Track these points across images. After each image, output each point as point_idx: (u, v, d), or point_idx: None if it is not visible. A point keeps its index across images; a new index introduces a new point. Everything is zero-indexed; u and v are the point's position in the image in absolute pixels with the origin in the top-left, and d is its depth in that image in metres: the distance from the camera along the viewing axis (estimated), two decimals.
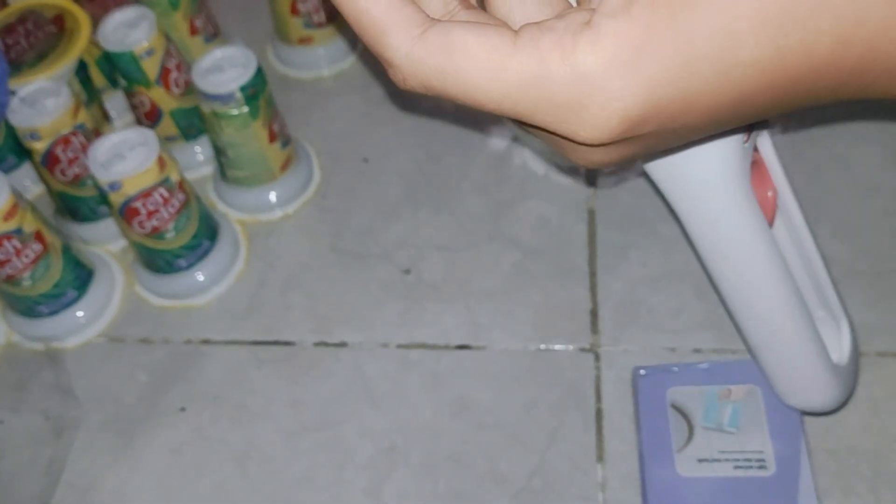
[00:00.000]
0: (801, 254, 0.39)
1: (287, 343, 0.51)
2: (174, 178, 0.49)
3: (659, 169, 0.32)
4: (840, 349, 0.40)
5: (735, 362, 0.44)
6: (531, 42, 0.22)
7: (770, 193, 0.35)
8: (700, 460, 0.41)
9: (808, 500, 0.39)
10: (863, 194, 0.53)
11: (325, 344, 0.51)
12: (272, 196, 0.56)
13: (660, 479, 0.41)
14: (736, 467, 0.41)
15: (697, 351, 0.48)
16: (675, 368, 0.45)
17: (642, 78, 0.21)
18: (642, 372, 0.45)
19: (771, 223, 0.35)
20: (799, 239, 0.38)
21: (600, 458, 0.45)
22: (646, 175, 0.54)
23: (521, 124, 0.25)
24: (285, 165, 0.55)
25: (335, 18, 0.62)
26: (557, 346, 0.48)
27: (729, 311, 0.38)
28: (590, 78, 0.21)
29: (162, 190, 0.48)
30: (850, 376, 0.41)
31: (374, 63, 0.63)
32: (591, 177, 0.55)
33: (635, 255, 0.52)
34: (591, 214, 0.54)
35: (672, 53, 0.21)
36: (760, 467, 0.41)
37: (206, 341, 0.51)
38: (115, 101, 0.61)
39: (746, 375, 0.44)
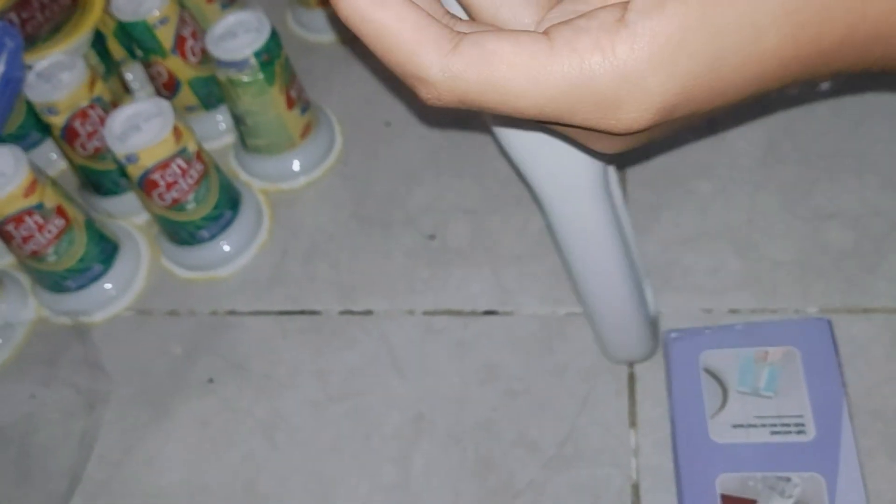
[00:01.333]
0: (619, 217, 0.40)
1: (312, 312, 0.50)
2: (191, 148, 0.48)
3: (531, 168, 0.35)
4: (652, 302, 0.44)
5: (772, 323, 0.42)
6: (568, 45, 0.22)
7: None
8: (735, 426, 0.40)
9: (850, 464, 0.38)
10: None
11: (351, 312, 0.50)
12: (294, 164, 0.55)
13: (692, 446, 0.39)
14: (773, 433, 0.39)
15: (734, 311, 0.46)
16: (708, 331, 0.43)
17: (679, 73, 0.22)
18: (674, 335, 0.43)
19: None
20: (617, 206, 0.40)
21: (633, 423, 0.43)
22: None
23: (550, 124, 0.25)
24: (306, 132, 0.54)
25: None
26: None
27: (573, 279, 0.41)
28: (632, 76, 0.22)
29: (179, 161, 0.47)
30: (657, 326, 0.45)
31: None
32: None
33: (668, 216, 0.50)
34: (622, 174, 0.52)
35: (704, 47, 0.22)
36: (799, 432, 0.39)
37: (231, 312, 0.51)
38: (135, 73, 0.61)
39: (784, 337, 0.42)
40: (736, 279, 0.47)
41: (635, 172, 0.52)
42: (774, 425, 0.39)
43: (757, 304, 0.46)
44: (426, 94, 0.24)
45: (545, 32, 0.23)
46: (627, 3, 0.22)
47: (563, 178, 0.35)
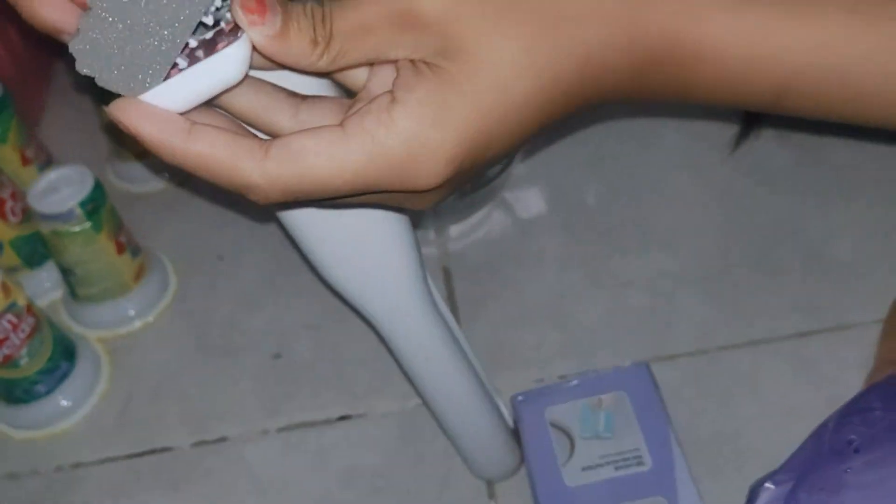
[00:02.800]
0: (454, 332, 0.44)
1: (164, 449, 0.50)
2: (21, 302, 0.48)
3: (357, 295, 0.37)
4: (508, 415, 0.47)
5: (601, 375, 0.48)
6: (357, 127, 0.26)
7: None
8: (584, 468, 0.44)
9: (686, 486, 0.42)
10: (685, 210, 0.58)
11: (205, 442, 0.50)
12: (129, 308, 0.55)
13: (551, 494, 0.43)
14: (617, 468, 0.43)
15: (563, 377, 0.51)
16: (548, 389, 0.47)
17: (452, 127, 0.27)
18: (520, 398, 0.47)
19: None
20: (452, 325, 0.44)
21: (491, 494, 0.46)
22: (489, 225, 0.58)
23: (367, 196, 0.29)
24: (138, 275, 0.55)
25: None
26: None
27: (426, 401, 0.43)
28: (414, 139, 0.26)
29: (9, 316, 0.47)
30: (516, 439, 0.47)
31: None
32: (439, 229, 0.59)
33: (492, 303, 0.55)
34: (447, 272, 0.57)
35: (467, 105, 0.27)
36: (639, 464, 0.44)
37: (77, 465, 0.49)
38: None
39: (613, 384, 0.47)
40: (558, 348, 0.52)
41: (457, 269, 0.57)
42: (617, 461, 0.44)
43: (580, 367, 0.51)
44: (255, 197, 0.27)
45: (339, 124, 0.27)
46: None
47: (387, 297, 0.38)
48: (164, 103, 0.26)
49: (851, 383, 0.48)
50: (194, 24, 0.26)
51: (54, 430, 0.51)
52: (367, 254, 0.37)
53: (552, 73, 0.27)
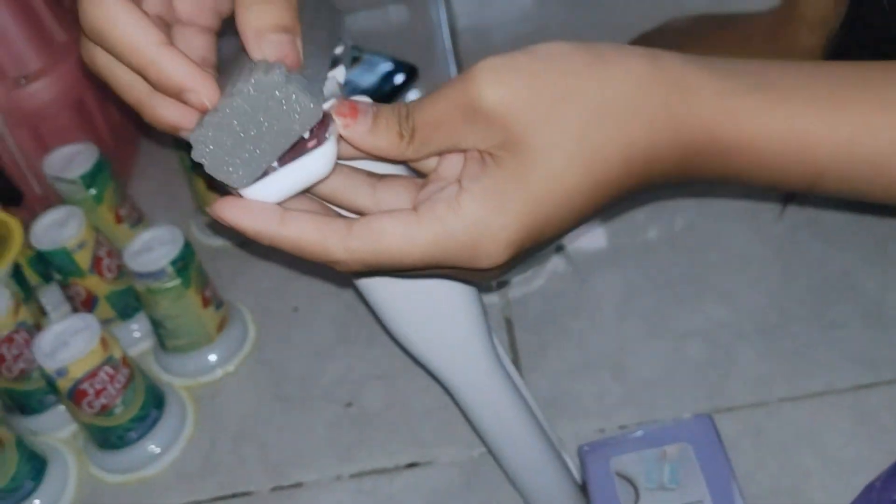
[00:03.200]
0: (519, 387, 0.46)
1: (245, 494, 0.53)
2: (117, 354, 0.52)
3: (426, 354, 0.41)
4: (575, 470, 0.48)
5: (665, 426, 0.49)
6: (429, 212, 0.31)
7: None
8: None
9: None
10: (742, 262, 0.60)
11: (282, 487, 0.53)
12: (212, 357, 0.59)
13: None
14: None
15: (623, 427, 0.52)
16: (614, 440, 0.49)
17: (511, 213, 0.30)
18: (586, 448, 0.49)
19: None
20: (516, 379, 0.46)
21: None
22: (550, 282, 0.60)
23: (434, 270, 0.33)
24: (221, 326, 0.59)
25: None
26: None
27: (493, 453, 0.46)
28: (477, 223, 0.30)
29: (107, 368, 0.51)
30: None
31: None
32: (501, 286, 0.61)
33: (553, 352, 0.57)
34: (509, 322, 0.59)
35: (524, 193, 0.30)
36: None
37: None
38: (49, 296, 0.65)
39: (678, 435, 0.49)
40: (618, 399, 0.53)
41: (518, 318, 0.59)
42: None
43: (640, 417, 0.52)
44: (339, 269, 0.32)
45: (413, 208, 0.31)
46: None
47: (454, 356, 0.41)
48: (262, 196, 0.30)
49: None
50: (296, 138, 0.30)
51: (144, 474, 0.55)
52: (434, 315, 0.39)
53: (601, 164, 0.30)
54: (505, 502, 0.50)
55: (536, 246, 0.32)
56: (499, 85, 0.30)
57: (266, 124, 0.29)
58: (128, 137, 0.76)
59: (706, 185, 0.62)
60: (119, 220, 0.65)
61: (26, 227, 0.60)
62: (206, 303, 0.57)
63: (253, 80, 0.29)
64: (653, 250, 0.61)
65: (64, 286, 0.60)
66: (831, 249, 0.58)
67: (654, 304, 0.58)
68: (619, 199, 0.32)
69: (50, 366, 0.50)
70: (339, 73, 0.36)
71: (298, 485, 0.53)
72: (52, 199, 0.64)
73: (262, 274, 0.66)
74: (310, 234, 0.31)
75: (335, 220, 0.31)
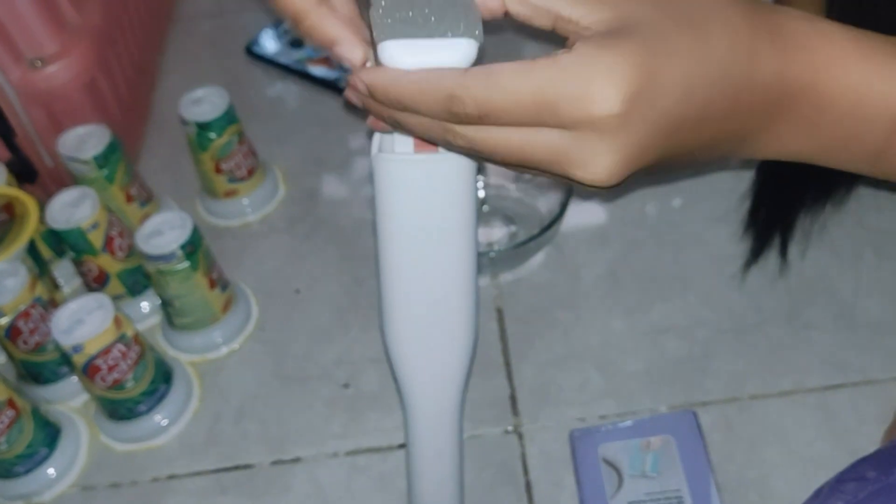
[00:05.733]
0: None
1: (247, 466, 0.56)
2: (130, 333, 0.55)
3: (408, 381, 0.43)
4: None
5: (651, 418, 0.53)
6: (546, 56, 0.30)
7: None
8: (630, 503, 0.49)
9: None
10: (723, 264, 0.62)
11: (281, 462, 0.56)
12: (217, 336, 0.62)
13: None
14: None
15: (603, 417, 0.56)
16: (603, 428, 0.52)
17: (629, 54, 0.29)
18: (577, 434, 0.52)
19: None
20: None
21: None
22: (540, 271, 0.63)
23: (547, 134, 0.31)
24: (226, 307, 0.62)
25: (255, 173, 0.70)
26: (484, 432, 0.56)
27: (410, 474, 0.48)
28: (593, 57, 0.29)
29: (120, 345, 0.54)
30: None
31: (294, 205, 0.71)
32: (494, 273, 0.64)
33: (540, 343, 0.60)
34: (500, 313, 0.62)
35: (652, 37, 0.30)
36: (679, 503, 0.48)
37: (172, 476, 0.57)
38: (61, 270, 0.67)
39: (662, 428, 0.52)
40: (600, 391, 0.57)
41: (509, 309, 0.62)
42: (660, 499, 0.49)
43: (619, 410, 0.56)
44: (455, 108, 0.31)
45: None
46: None
47: (431, 393, 0.43)
48: (397, 56, 0.32)
49: (872, 436, 0.52)
50: (446, 28, 0.32)
51: (152, 444, 0.58)
52: (434, 346, 0.41)
53: (732, 58, 0.30)
54: (492, 481, 0.53)
55: (660, 119, 0.30)
56: None
57: (435, 5, 0.32)
58: (137, 117, 0.78)
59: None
60: (129, 199, 0.67)
61: (40, 203, 0.62)
62: (212, 284, 0.60)
63: None
64: (640, 247, 0.64)
65: (77, 263, 0.62)
66: (808, 253, 0.61)
67: (638, 299, 0.61)
68: (746, 121, 0.32)
69: (66, 342, 0.53)
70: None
71: (297, 459, 0.56)
72: (65, 177, 0.67)
73: (265, 255, 0.69)
74: (430, 76, 0.31)
75: (454, 68, 0.31)
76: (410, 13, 0.32)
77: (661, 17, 0.30)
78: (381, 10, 0.32)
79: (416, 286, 0.39)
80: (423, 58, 0.31)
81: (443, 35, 0.31)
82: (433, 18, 0.32)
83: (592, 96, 0.29)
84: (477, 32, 0.32)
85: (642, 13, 0.30)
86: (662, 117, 0.30)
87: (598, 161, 0.30)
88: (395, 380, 0.44)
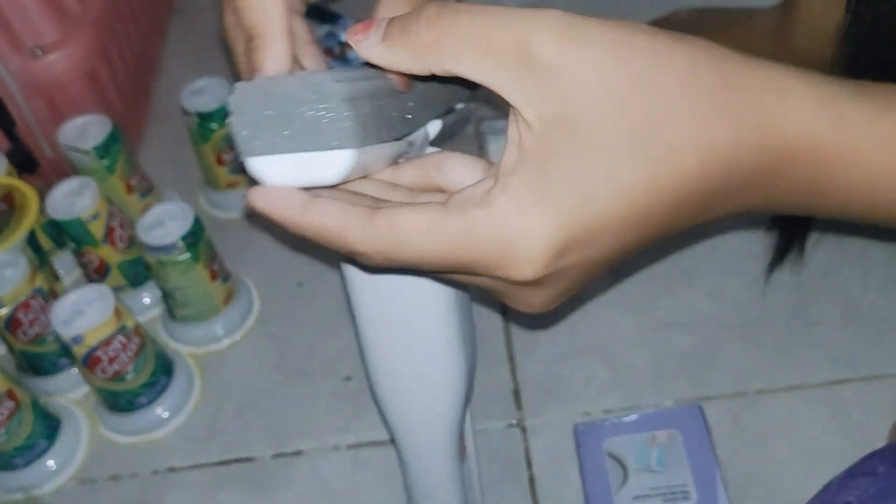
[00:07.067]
0: (472, 487, 0.47)
1: (248, 459, 0.56)
2: (130, 324, 0.54)
3: (392, 408, 0.40)
4: None
5: (656, 413, 0.52)
6: (456, 205, 0.27)
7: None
8: (635, 497, 0.48)
9: None
10: (731, 257, 0.62)
11: (283, 455, 0.56)
12: (218, 328, 0.62)
13: None
14: (665, 500, 0.48)
15: (608, 412, 0.55)
16: (608, 422, 0.52)
17: (551, 211, 0.25)
18: (581, 428, 0.52)
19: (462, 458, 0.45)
20: (472, 474, 0.47)
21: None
22: None
23: (469, 277, 0.29)
24: (227, 299, 0.62)
25: None
26: (488, 426, 0.55)
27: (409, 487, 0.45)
28: (510, 220, 0.25)
29: (120, 337, 0.53)
30: None
31: None
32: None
33: (545, 337, 0.59)
34: (504, 308, 0.62)
35: (569, 186, 0.25)
36: (685, 497, 0.48)
37: (172, 469, 0.56)
38: (62, 261, 0.67)
39: (668, 422, 0.52)
40: (605, 385, 0.56)
41: None
42: (665, 494, 0.48)
43: (624, 404, 0.55)
44: (362, 261, 0.29)
45: (444, 203, 0.28)
46: None
47: (424, 432, 0.40)
48: (264, 173, 0.29)
49: (880, 432, 0.51)
50: (322, 149, 0.28)
51: (152, 437, 0.57)
52: (419, 392, 0.39)
53: (671, 159, 0.25)
54: (496, 476, 0.53)
55: (588, 263, 0.27)
56: (572, 40, 0.25)
57: (303, 117, 0.28)
58: (138, 108, 0.77)
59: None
60: (130, 189, 0.67)
61: (40, 193, 0.62)
62: (213, 276, 0.60)
63: (313, 75, 0.28)
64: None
65: (77, 254, 0.62)
66: (816, 248, 0.61)
67: (644, 294, 0.61)
68: (692, 216, 0.27)
69: (66, 333, 0.52)
70: (433, 127, 0.34)
71: (298, 452, 0.56)
72: (65, 166, 0.66)
73: (268, 248, 0.68)
74: (331, 221, 0.28)
75: (359, 209, 0.28)
76: (276, 118, 0.28)
77: (603, 125, 0.25)
78: (243, 116, 0.29)
79: (390, 331, 0.37)
80: (294, 175, 0.29)
81: (316, 147, 0.28)
82: (302, 125, 0.28)
83: (513, 266, 0.26)
84: (356, 138, 0.28)
85: (586, 117, 0.25)
86: (597, 259, 0.27)
87: (531, 302, 0.29)
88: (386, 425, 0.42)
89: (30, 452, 0.55)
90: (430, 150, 0.34)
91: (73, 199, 0.59)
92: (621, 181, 0.25)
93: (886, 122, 0.26)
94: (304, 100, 0.28)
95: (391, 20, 0.27)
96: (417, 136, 0.33)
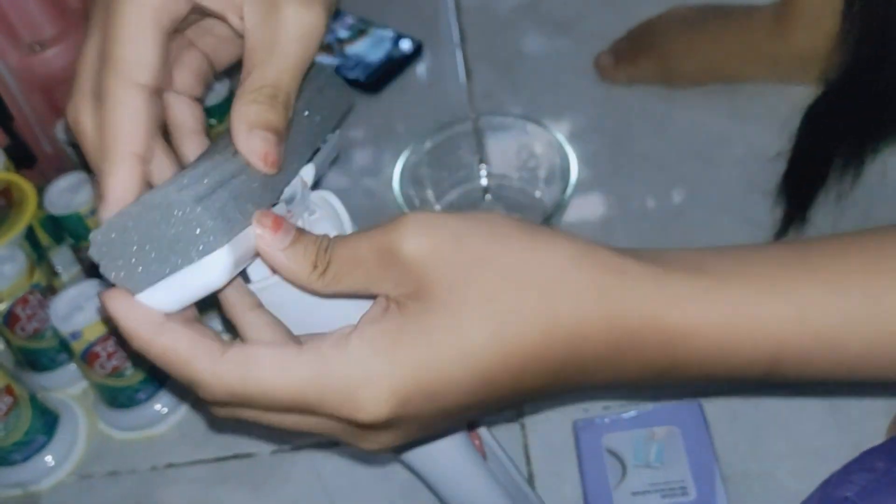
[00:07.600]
0: (509, 479, 0.46)
1: (247, 455, 0.56)
2: None
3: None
4: None
5: (656, 409, 0.52)
6: (312, 345, 0.28)
7: (477, 441, 0.45)
8: (634, 493, 0.48)
9: None
10: None
11: (282, 451, 0.56)
12: (218, 323, 0.62)
13: None
14: (663, 496, 0.48)
15: (607, 408, 0.55)
16: (607, 419, 0.52)
17: (400, 361, 0.28)
18: (581, 424, 0.52)
19: (484, 457, 0.45)
20: (505, 467, 0.46)
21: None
22: None
23: (313, 419, 0.30)
24: None
25: None
26: (486, 422, 0.55)
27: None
28: (362, 361, 0.28)
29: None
30: None
31: None
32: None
33: None
34: None
35: (418, 341, 0.28)
36: (683, 493, 0.48)
37: (170, 465, 0.56)
38: (60, 256, 0.67)
39: (666, 419, 0.52)
40: None
41: None
42: (664, 490, 0.48)
43: (623, 400, 0.55)
44: (202, 394, 0.29)
45: (301, 343, 0.29)
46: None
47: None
48: (155, 303, 0.29)
49: (878, 428, 0.52)
50: (193, 261, 0.28)
51: (151, 432, 0.57)
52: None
53: (515, 330, 0.28)
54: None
55: (435, 414, 0.29)
56: (422, 236, 0.29)
57: (165, 237, 0.28)
58: None
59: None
60: None
61: (38, 189, 0.61)
62: None
63: (157, 193, 0.28)
64: (645, 238, 0.64)
65: (76, 249, 0.62)
66: None
67: None
68: (548, 382, 0.29)
69: (65, 329, 0.52)
70: (307, 172, 0.35)
71: (298, 449, 0.56)
72: (63, 162, 0.66)
73: None
74: (182, 346, 0.28)
75: (213, 340, 0.29)
76: (141, 251, 0.28)
77: (453, 296, 0.28)
78: (111, 261, 0.29)
79: None
80: (181, 295, 0.29)
81: (189, 260, 0.28)
82: (166, 246, 0.28)
83: (357, 410, 0.28)
84: (221, 233, 0.28)
85: (439, 291, 0.28)
86: (444, 410, 0.29)
87: (378, 441, 0.30)
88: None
89: (28, 448, 0.55)
90: (316, 193, 0.35)
91: (72, 194, 0.59)
92: (470, 340, 0.28)
93: (724, 295, 0.29)
94: (157, 222, 0.28)
95: (298, 238, 0.30)
96: (293, 189, 0.33)
